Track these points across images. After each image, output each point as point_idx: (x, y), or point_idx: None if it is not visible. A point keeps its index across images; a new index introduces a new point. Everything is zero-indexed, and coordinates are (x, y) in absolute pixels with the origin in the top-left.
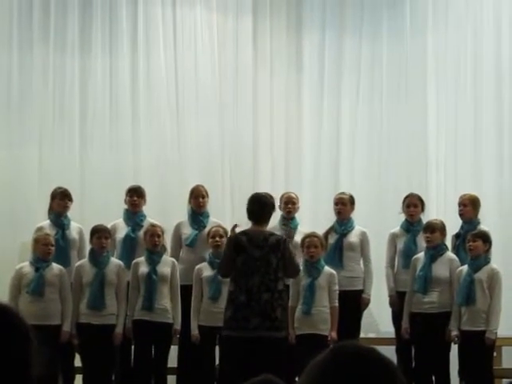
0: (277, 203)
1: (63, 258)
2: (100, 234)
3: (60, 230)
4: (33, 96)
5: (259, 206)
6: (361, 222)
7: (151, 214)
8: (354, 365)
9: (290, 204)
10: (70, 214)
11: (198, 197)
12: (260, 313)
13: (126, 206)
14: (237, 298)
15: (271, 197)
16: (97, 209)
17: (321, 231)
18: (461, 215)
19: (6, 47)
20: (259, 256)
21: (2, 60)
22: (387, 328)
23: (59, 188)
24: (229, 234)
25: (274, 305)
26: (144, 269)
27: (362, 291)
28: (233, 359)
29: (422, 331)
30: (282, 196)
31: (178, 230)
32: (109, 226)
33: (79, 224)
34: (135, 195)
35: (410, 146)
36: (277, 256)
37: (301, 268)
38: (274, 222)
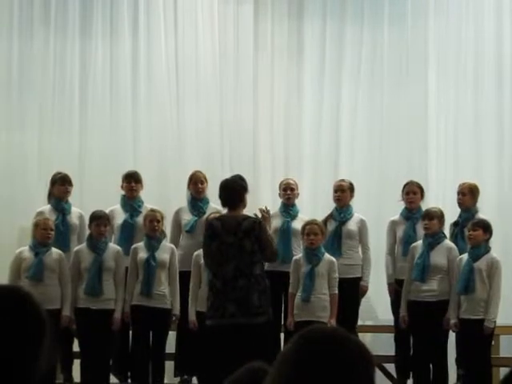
0: (276, 191)
1: (63, 242)
2: (99, 221)
3: (60, 215)
4: (33, 81)
5: (228, 192)
6: (361, 209)
7: (151, 200)
8: (321, 348)
9: (288, 190)
10: (69, 199)
11: (196, 182)
12: (235, 299)
13: (122, 192)
14: (214, 286)
15: (241, 179)
16: (96, 194)
17: (320, 218)
18: (459, 204)
19: (6, 32)
20: (232, 242)
21: (2, 45)
22: (385, 316)
23: (59, 173)
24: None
25: (249, 290)
26: (143, 254)
27: (360, 279)
28: (215, 349)
29: (420, 319)
30: (281, 183)
31: (177, 216)
32: (106, 211)
33: (79, 209)
34: (132, 181)
35: (411, 133)
36: (251, 240)
37: (278, 253)
38: (275, 209)
